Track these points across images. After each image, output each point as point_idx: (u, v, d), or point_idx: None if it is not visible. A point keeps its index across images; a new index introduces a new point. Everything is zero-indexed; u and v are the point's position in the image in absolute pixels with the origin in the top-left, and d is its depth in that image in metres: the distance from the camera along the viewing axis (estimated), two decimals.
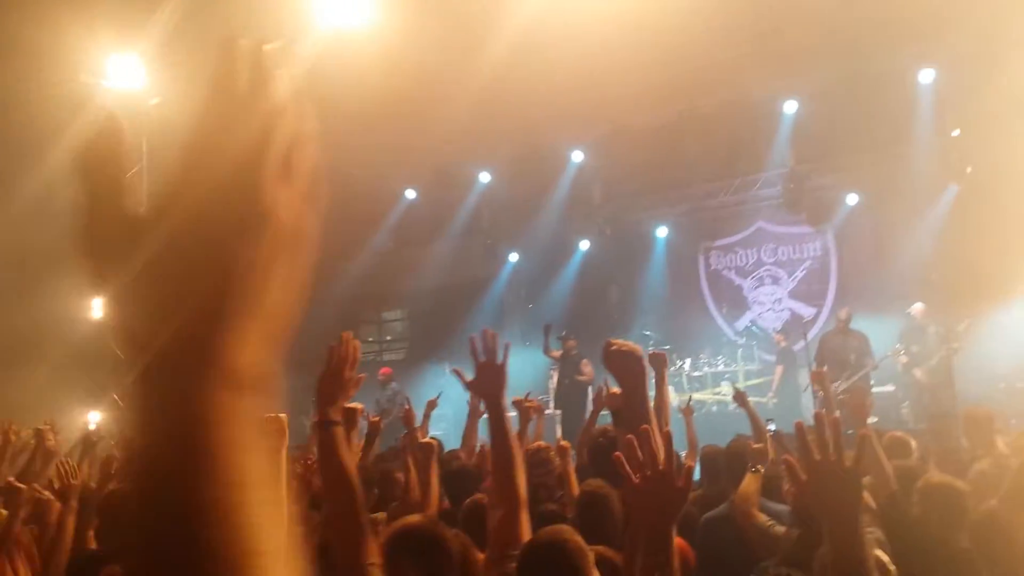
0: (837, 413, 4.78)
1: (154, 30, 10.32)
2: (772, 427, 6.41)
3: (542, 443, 4.99)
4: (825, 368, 10.31)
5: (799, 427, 1.89)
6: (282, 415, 2.68)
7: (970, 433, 4.80)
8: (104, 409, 11.39)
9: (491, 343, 2.60)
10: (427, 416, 6.31)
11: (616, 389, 3.87)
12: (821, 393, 6.19)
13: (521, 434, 5.03)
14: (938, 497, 3.61)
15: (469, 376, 2.67)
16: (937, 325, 10.85)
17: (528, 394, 5.66)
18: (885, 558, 2.80)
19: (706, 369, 14.31)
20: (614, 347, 2.17)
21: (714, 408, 13.97)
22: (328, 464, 2.44)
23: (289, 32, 9.88)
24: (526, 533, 2.52)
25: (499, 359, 2.60)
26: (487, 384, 2.58)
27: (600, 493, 3.27)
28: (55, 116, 10.61)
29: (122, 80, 11.41)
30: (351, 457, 2.53)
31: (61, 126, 10.81)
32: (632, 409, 2.02)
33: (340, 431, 2.49)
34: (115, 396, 11.52)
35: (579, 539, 2.35)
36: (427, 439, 4.70)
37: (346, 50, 10.19)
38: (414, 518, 2.73)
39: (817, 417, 1.81)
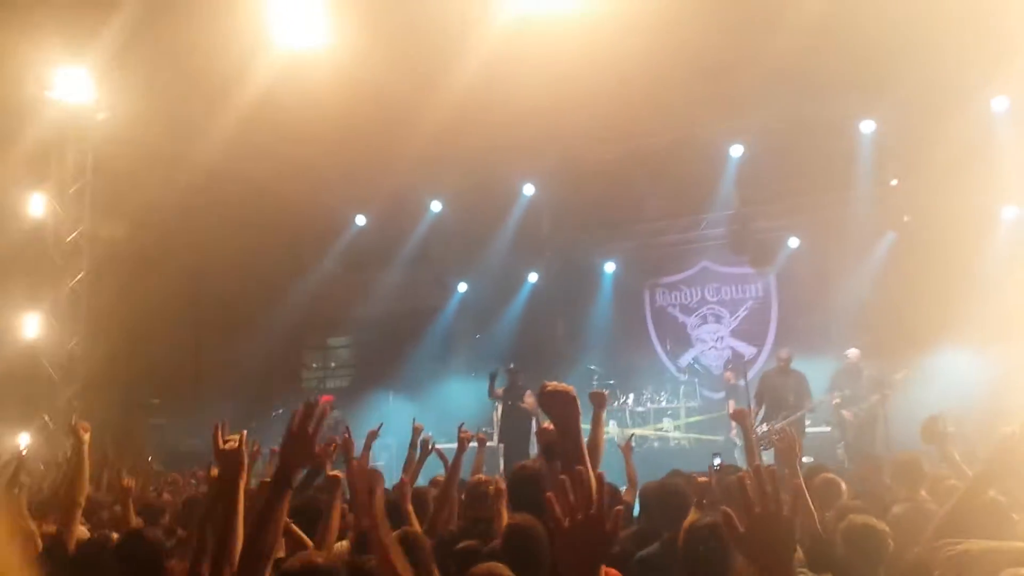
0: (759, 453, 4.88)
1: (104, 43, 10.17)
2: (717, 461, 6.48)
3: (482, 476, 4.97)
4: (752, 406, 10.55)
5: (739, 479, 1.91)
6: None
7: (897, 477, 4.91)
8: (34, 430, 11.03)
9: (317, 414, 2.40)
10: (367, 447, 6.20)
11: (549, 425, 3.92)
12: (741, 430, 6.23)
13: (455, 464, 5.03)
14: (860, 537, 3.70)
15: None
16: (871, 370, 11.12)
17: (463, 424, 5.69)
18: None
19: (649, 405, 14.44)
20: (549, 388, 2.19)
21: (656, 444, 14.08)
22: (266, 521, 2.36)
23: (243, 52, 9.81)
24: None
25: (308, 429, 2.40)
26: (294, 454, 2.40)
27: (526, 527, 3.27)
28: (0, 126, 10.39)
29: (69, 93, 11.19)
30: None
31: (5, 135, 10.57)
32: (566, 449, 2.01)
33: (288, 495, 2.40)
34: (45, 417, 11.18)
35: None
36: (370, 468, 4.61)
37: (301, 72, 10.15)
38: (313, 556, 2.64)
39: (756, 470, 1.84)
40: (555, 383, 2.18)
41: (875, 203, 13.04)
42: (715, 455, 6.71)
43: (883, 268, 13.14)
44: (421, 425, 6.37)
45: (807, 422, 11.81)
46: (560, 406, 2.10)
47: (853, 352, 11.21)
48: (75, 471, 4.74)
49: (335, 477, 4.17)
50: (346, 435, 5.05)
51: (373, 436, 6.44)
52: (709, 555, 2.92)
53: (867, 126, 12.71)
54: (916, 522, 3.97)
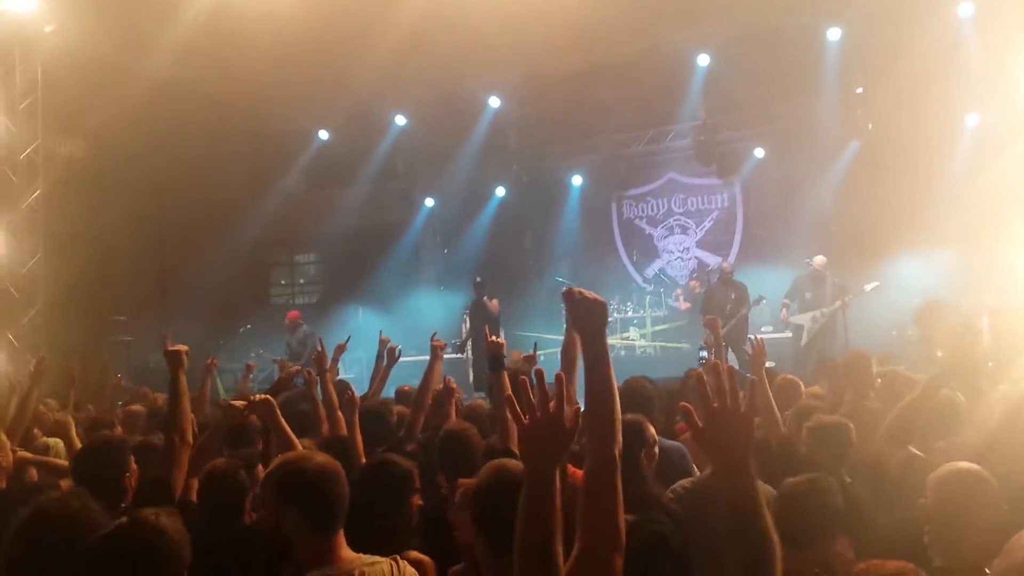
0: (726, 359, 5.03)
1: None
2: (703, 354, 6.69)
3: (478, 400, 5.10)
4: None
5: (698, 376, 1.98)
6: None
7: (849, 376, 5.04)
8: None
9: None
10: (335, 360, 6.32)
11: (497, 338, 4.09)
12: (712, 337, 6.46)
13: (431, 372, 5.14)
14: (826, 435, 3.81)
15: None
16: (835, 277, 11.33)
17: (435, 334, 5.78)
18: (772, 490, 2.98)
19: (616, 315, 14.65)
20: (578, 295, 2.07)
21: (622, 352, 14.37)
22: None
23: None
24: None
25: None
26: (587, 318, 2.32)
27: (459, 430, 3.47)
28: None
29: (14, 3, 10.75)
30: None
31: None
32: (591, 359, 2.00)
33: None
34: (10, 336, 11.11)
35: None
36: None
37: None
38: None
39: (713, 367, 1.90)
40: (585, 290, 2.08)
41: (840, 112, 13.06)
42: (701, 350, 6.91)
43: (847, 177, 13.25)
44: (387, 337, 6.51)
45: (768, 328, 12.17)
46: (590, 313, 2.04)
47: (819, 259, 11.38)
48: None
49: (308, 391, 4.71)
50: (319, 349, 5.15)
51: (341, 350, 6.58)
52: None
53: (833, 33, 12.62)
54: (864, 421, 4.12)
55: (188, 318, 13.73)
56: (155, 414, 5.52)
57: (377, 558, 2.51)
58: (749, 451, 1.88)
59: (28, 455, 4.57)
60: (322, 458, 2.59)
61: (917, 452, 3.67)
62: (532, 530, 1.85)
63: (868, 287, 10.92)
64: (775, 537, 1.82)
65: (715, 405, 1.86)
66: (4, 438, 4.14)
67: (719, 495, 1.91)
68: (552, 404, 1.87)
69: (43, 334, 11.41)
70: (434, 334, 5.81)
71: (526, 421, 1.89)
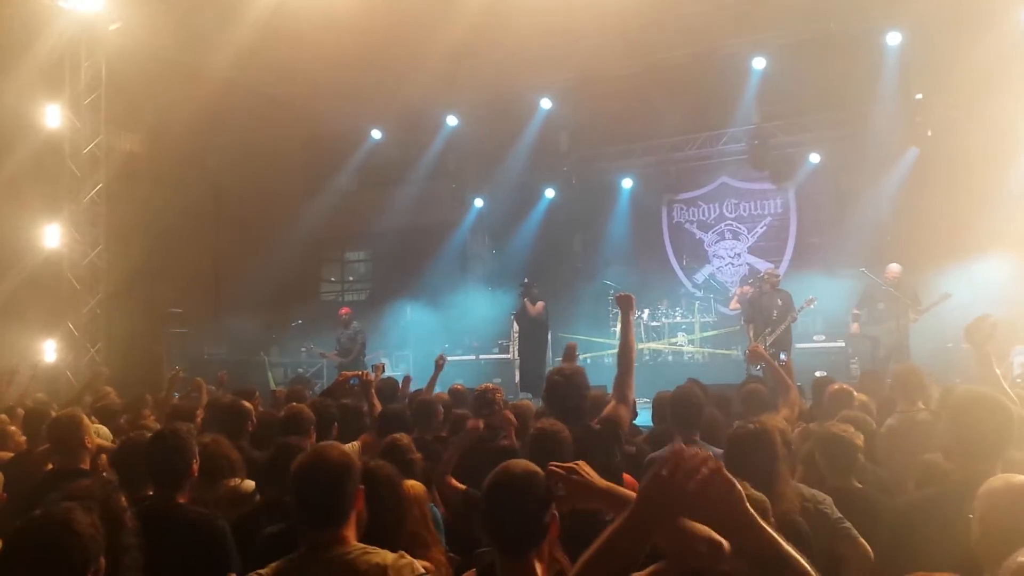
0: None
1: None
2: (783, 356, 6.56)
3: (489, 384, 5.12)
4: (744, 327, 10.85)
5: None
6: None
7: (898, 390, 4.96)
8: (59, 338, 11.30)
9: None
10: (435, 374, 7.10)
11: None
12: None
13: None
14: (829, 444, 3.75)
15: None
16: (909, 287, 10.98)
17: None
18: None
19: (664, 320, 14.54)
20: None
21: (670, 358, 14.26)
22: None
23: None
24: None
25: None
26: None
27: (552, 430, 3.36)
28: (12, 36, 10.30)
29: (81, 2, 11.06)
30: None
31: (18, 46, 10.50)
32: None
33: None
34: (70, 325, 11.43)
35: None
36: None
37: None
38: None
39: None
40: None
41: (898, 118, 12.80)
42: (781, 352, 6.80)
43: (905, 184, 12.97)
44: (444, 358, 7.36)
45: (820, 337, 11.97)
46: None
47: (893, 267, 10.91)
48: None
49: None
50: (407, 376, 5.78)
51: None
52: (755, 459, 2.98)
53: (893, 38, 12.38)
54: (909, 432, 4.04)
55: (241, 312, 14.01)
56: (213, 405, 5.60)
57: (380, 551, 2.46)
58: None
59: (104, 442, 4.68)
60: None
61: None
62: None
63: (939, 297, 10.45)
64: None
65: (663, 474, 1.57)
66: (88, 422, 4.28)
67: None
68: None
69: (102, 324, 11.72)
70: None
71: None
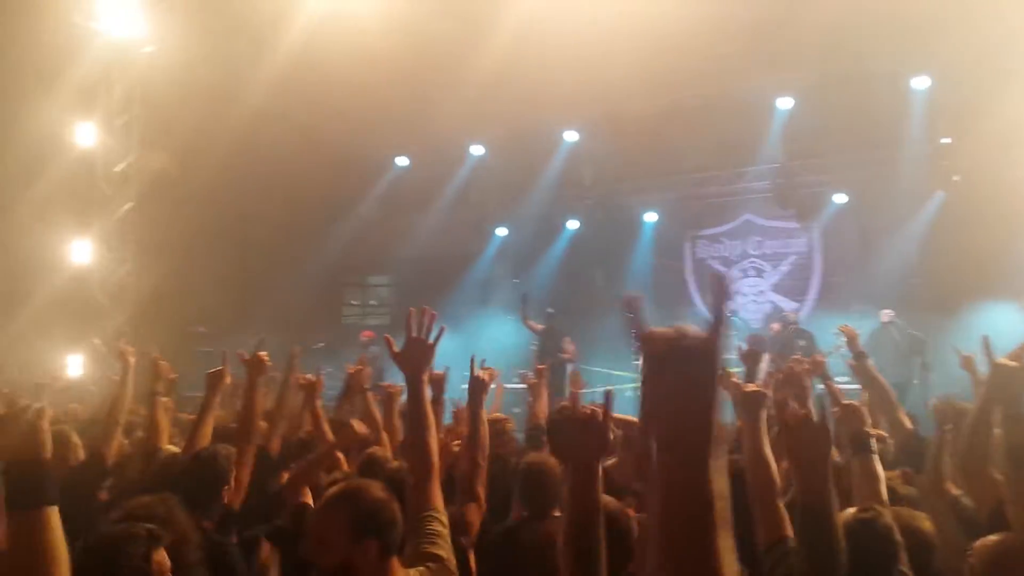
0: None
1: None
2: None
3: (499, 415, 5.12)
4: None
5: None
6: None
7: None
8: (85, 354, 11.44)
9: (426, 321, 2.69)
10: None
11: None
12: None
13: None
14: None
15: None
16: (907, 331, 10.97)
17: (483, 361, 5.38)
18: None
19: None
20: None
21: None
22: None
23: None
24: (437, 499, 2.64)
25: (430, 338, 2.71)
26: (412, 358, 2.73)
27: (541, 465, 3.45)
28: (47, 59, 10.55)
29: (116, 25, 11.31)
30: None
31: (53, 69, 10.75)
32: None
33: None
34: (95, 341, 11.56)
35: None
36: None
37: (347, 14, 10.16)
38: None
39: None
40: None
41: (925, 161, 12.76)
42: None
43: (931, 228, 12.90)
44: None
45: (844, 379, 11.78)
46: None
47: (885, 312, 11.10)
48: (119, 392, 5.03)
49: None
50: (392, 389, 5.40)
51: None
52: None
53: (921, 82, 12.37)
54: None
55: (265, 332, 14.07)
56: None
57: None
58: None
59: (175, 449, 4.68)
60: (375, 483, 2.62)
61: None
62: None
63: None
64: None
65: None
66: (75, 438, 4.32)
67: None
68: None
69: (128, 341, 11.83)
70: (482, 361, 5.58)
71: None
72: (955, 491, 3.70)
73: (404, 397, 2.97)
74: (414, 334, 2.72)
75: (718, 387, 1.03)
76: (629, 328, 1.06)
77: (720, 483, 1.00)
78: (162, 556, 2.22)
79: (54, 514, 1.82)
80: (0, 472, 1.83)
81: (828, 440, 2.18)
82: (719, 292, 1.06)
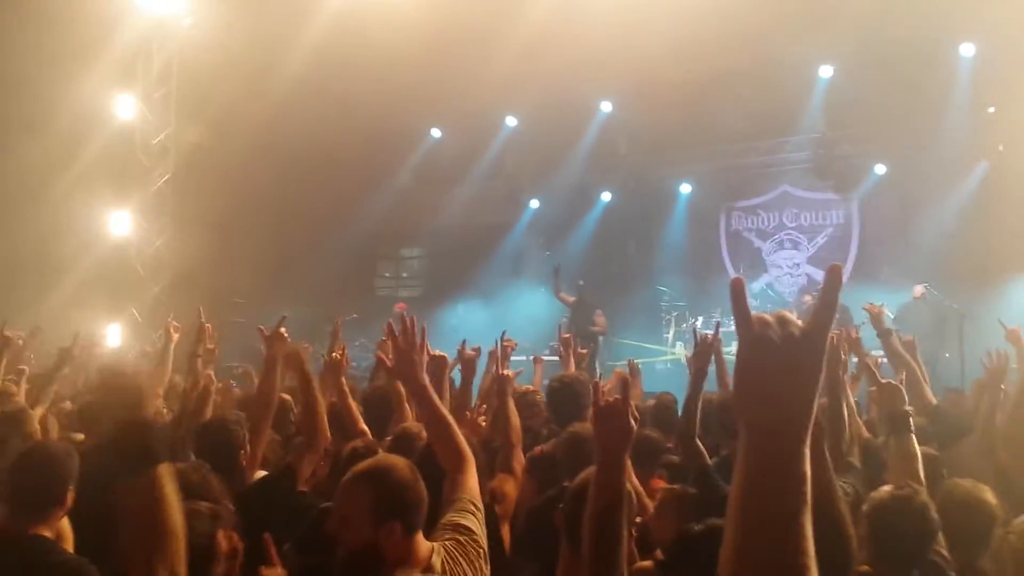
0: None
1: None
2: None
3: (529, 387, 5.09)
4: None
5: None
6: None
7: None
8: (123, 323, 11.63)
9: (409, 327, 2.65)
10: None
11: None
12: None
13: (494, 372, 4.95)
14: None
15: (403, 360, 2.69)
16: (947, 302, 10.78)
17: (504, 332, 5.26)
18: None
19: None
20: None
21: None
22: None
23: None
24: (472, 487, 2.64)
25: (414, 344, 2.65)
26: (403, 369, 2.67)
27: (582, 435, 3.47)
28: (87, 33, 10.62)
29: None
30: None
31: (93, 42, 10.84)
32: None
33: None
34: (134, 311, 11.75)
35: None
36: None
37: None
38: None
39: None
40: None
41: (969, 131, 12.47)
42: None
43: (973, 199, 12.64)
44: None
45: (878, 353, 11.64)
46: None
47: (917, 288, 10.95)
48: (159, 363, 5.17)
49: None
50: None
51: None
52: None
53: (967, 49, 12.06)
54: None
55: (298, 305, 14.20)
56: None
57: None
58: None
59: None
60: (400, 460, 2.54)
61: None
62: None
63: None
64: None
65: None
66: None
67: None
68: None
69: (165, 311, 12.01)
70: (503, 333, 5.40)
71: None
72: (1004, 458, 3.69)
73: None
74: (400, 344, 2.65)
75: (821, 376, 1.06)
76: (732, 311, 1.06)
77: (807, 467, 1.04)
78: (223, 536, 2.27)
79: (167, 470, 1.85)
80: (111, 437, 1.86)
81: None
82: (832, 281, 1.06)
